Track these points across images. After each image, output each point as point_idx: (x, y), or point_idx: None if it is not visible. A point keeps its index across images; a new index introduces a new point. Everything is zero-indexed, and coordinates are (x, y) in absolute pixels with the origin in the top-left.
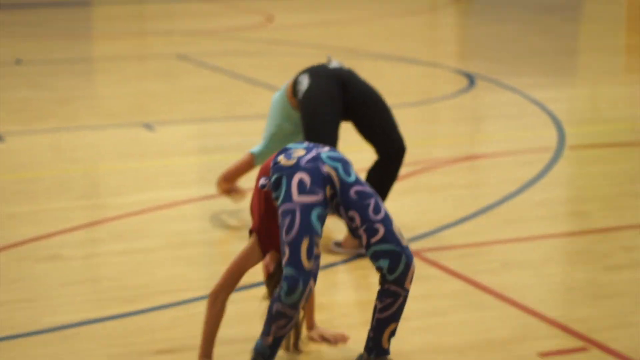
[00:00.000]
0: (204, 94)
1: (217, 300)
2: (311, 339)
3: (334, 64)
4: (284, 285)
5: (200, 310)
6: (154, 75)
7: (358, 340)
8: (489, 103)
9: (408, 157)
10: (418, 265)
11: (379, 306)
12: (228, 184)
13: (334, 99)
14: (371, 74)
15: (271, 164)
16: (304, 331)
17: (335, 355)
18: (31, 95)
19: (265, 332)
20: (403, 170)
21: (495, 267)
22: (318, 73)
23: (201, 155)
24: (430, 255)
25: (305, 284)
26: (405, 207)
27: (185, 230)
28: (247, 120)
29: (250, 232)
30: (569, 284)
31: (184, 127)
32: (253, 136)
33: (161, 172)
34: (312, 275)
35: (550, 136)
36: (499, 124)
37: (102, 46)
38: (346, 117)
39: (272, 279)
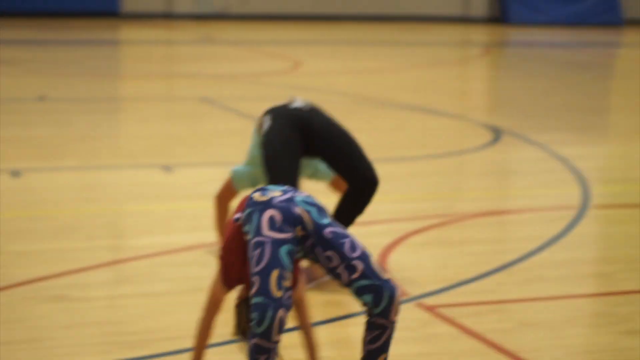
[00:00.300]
0: (224, 138)
1: (202, 323)
2: None
3: (297, 103)
4: (254, 315)
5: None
6: (177, 117)
7: None
8: (515, 158)
9: (429, 210)
10: (431, 322)
11: (367, 338)
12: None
13: (291, 142)
14: (396, 124)
15: (246, 200)
16: None
17: None
18: (52, 132)
19: None
20: (423, 223)
21: (511, 326)
22: (279, 114)
23: None
24: (444, 312)
25: (275, 310)
26: (423, 260)
27: (197, 276)
28: None
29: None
30: (588, 347)
31: (203, 170)
32: None
33: (176, 215)
34: (283, 304)
35: (575, 194)
36: (523, 180)
37: (128, 86)
38: (311, 154)
39: (239, 308)
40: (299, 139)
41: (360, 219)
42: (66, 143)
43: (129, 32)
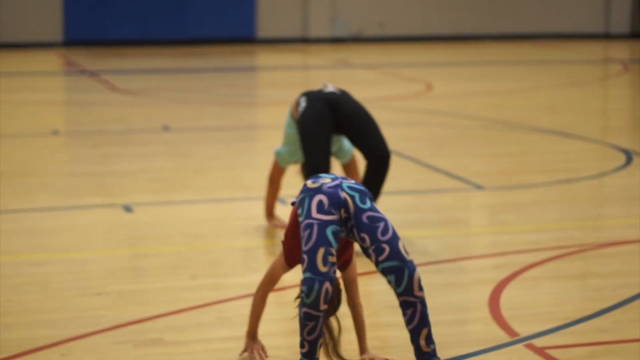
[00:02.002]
0: None
1: (257, 295)
2: None
3: (329, 88)
4: (303, 288)
5: None
6: None
7: None
8: None
9: (551, 241)
10: None
11: (405, 320)
12: (273, 214)
13: (324, 120)
14: (525, 149)
15: (302, 188)
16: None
17: None
18: (171, 164)
19: (301, 343)
20: (543, 255)
21: None
22: (314, 97)
23: None
24: (555, 354)
25: (321, 284)
26: (538, 296)
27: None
28: (389, 195)
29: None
30: None
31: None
32: (394, 213)
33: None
34: (328, 278)
35: None
36: None
37: (258, 114)
38: (339, 132)
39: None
40: (331, 118)
41: (476, 251)
42: (183, 176)
43: (264, 58)
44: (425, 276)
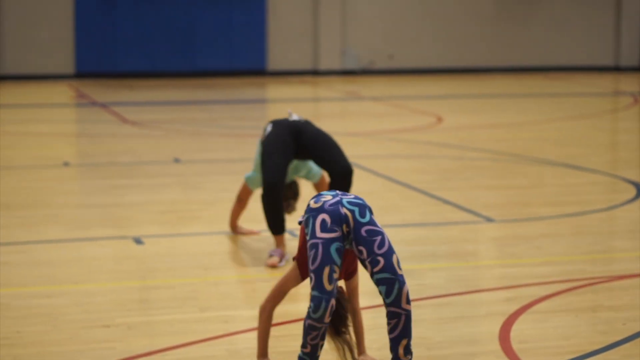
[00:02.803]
0: None
1: (264, 312)
2: None
3: (294, 117)
4: (311, 304)
5: None
6: None
7: None
8: None
9: (560, 274)
10: None
11: (388, 328)
12: (236, 225)
13: (285, 143)
14: (534, 181)
15: (306, 207)
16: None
17: None
18: (181, 196)
19: (303, 344)
20: (553, 288)
21: None
22: (279, 123)
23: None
24: None
25: (328, 302)
26: (547, 330)
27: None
28: (396, 227)
29: (294, 259)
30: None
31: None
32: (404, 245)
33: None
34: (333, 295)
35: None
36: None
37: None
38: (304, 156)
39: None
40: (292, 143)
41: (486, 284)
42: (193, 207)
43: (274, 90)
44: (435, 309)
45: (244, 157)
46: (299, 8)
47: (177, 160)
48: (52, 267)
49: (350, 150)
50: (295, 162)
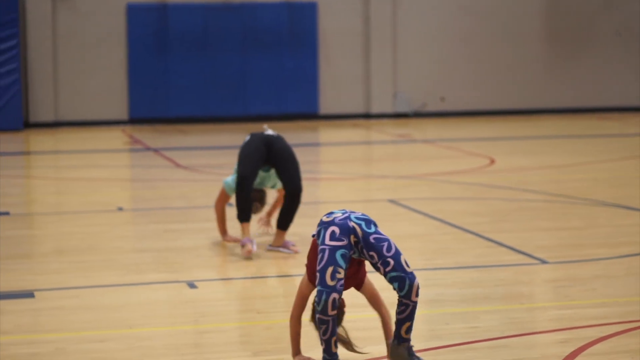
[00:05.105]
0: (407, 241)
1: (292, 318)
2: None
3: (269, 131)
4: (316, 299)
5: None
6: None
7: None
8: None
9: (616, 316)
10: None
11: (397, 311)
12: (225, 231)
13: (258, 149)
14: (586, 222)
15: (319, 222)
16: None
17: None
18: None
19: (320, 342)
20: (608, 330)
21: None
22: (256, 135)
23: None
24: None
25: (328, 295)
26: None
27: None
28: (446, 270)
29: (306, 265)
30: None
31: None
32: (457, 288)
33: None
34: (335, 290)
35: None
36: None
37: (319, 189)
38: (270, 164)
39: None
40: (264, 151)
41: (541, 326)
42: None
43: (326, 134)
44: (490, 352)
45: None
46: (350, 52)
47: (229, 205)
48: (107, 311)
49: (403, 193)
50: (264, 174)
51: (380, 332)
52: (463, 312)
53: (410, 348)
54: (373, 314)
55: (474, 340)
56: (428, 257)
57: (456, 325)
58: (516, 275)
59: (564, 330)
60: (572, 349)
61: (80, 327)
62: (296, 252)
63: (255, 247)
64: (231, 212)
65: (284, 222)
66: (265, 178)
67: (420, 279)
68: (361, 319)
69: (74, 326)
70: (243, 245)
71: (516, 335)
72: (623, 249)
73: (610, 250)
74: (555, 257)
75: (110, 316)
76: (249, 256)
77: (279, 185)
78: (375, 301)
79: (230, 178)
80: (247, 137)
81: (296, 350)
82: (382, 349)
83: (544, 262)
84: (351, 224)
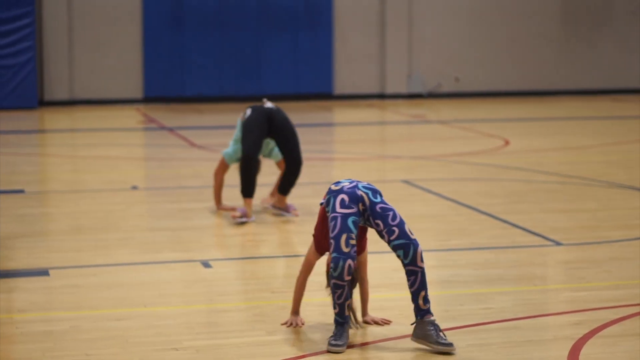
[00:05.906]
0: (421, 222)
1: (298, 281)
2: (365, 322)
3: (268, 104)
4: (332, 265)
5: None
6: None
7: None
8: None
9: (631, 298)
10: None
11: (408, 284)
12: (220, 201)
13: (261, 124)
14: (600, 204)
15: (327, 191)
16: (359, 317)
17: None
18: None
19: (334, 305)
20: (623, 312)
21: None
22: (257, 109)
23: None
24: None
25: (345, 261)
26: (617, 355)
27: None
28: (460, 251)
29: (313, 235)
30: None
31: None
32: (471, 269)
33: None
34: (350, 256)
35: None
36: None
37: (333, 170)
38: (270, 136)
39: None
40: (266, 125)
41: (554, 308)
42: (261, 231)
43: (341, 114)
44: (503, 333)
45: (312, 181)
46: (365, 32)
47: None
48: (122, 290)
49: (417, 173)
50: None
51: (397, 312)
52: (477, 293)
53: (436, 326)
54: (391, 294)
55: (487, 321)
56: (442, 238)
57: (470, 307)
58: (530, 256)
59: (578, 312)
60: (586, 331)
61: (95, 305)
62: (296, 216)
63: (243, 220)
64: (229, 180)
65: (285, 187)
66: (263, 146)
67: (434, 260)
68: (379, 299)
69: (89, 304)
70: (235, 210)
71: (530, 317)
72: (638, 231)
73: (626, 233)
74: (570, 239)
75: (125, 295)
76: (238, 221)
77: (274, 154)
78: (362, 269)
79: (231, 149)
80: (249, 111)
81: (295, 309)
82: (402, 329)
83: (558, 243)
84: (359, 192)
